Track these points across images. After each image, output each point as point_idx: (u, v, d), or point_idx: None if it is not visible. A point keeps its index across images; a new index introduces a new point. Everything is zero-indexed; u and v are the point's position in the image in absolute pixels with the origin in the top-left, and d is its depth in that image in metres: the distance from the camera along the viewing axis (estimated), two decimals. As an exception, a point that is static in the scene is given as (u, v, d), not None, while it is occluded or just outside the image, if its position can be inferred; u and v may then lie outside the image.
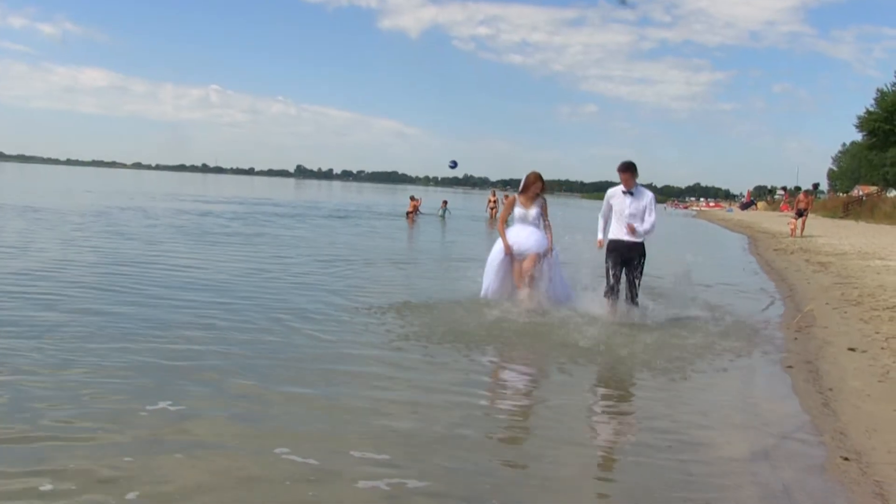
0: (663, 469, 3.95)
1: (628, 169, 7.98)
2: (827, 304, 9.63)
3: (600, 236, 8.22)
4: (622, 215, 7.98)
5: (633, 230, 7.90)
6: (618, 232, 8.05)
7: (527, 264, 8.32)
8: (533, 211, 8.57)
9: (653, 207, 7.99)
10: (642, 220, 7.97)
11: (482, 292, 8.57)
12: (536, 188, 8.60)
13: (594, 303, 8.19)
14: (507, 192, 39.12)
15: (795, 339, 7.66)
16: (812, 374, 6.12)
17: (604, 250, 8.22)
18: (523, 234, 8.48)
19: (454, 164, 35.47)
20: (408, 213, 30.80)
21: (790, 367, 6.42)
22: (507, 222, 8.79)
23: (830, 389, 5.58)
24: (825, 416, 4.97)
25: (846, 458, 4.13)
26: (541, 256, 8.37)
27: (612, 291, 8.03)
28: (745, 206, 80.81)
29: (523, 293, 8.25)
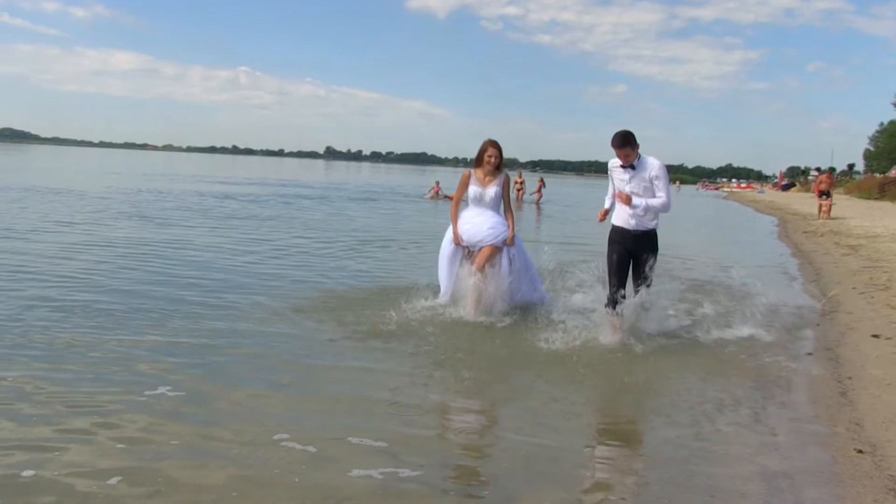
0: (669, 461, 3.84)
1: (624, 143, 6.03)
2: (854, 288, 9.37)
3: (607, 205, 6.44)
4: (621, 195, 6.22)
5: (627, 200, 6.05)
6: (620, 217, 6.27)
7: (479, 259, 6.75)
8: (491, 190, 6.95)
9: (663, 182, 6.10)
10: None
11: (441, 296, 7.03)
12: (493, 159, 6.93)
13: (590, 311, 6.61)
14: (533, 174, 38.78)
15: (817, 324, 7.45)
16: (831, 361, 5.95)
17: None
18: (477, 221, 6.92)
19: None
20: (431, 196, 30.75)
21: (809, 353, 6.25)
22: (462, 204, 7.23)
23: (849, 378, 5.40)
24: (841, 405, 4.81)
25: (860, 451, 3.98)
26: (499, 248, 6.86)
27: (614, 301, 6.14)
28: (785, 188, 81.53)
29: (471, 299, 6.62)
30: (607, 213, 6.39)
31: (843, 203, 35.98)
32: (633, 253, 6.21)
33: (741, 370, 5.63)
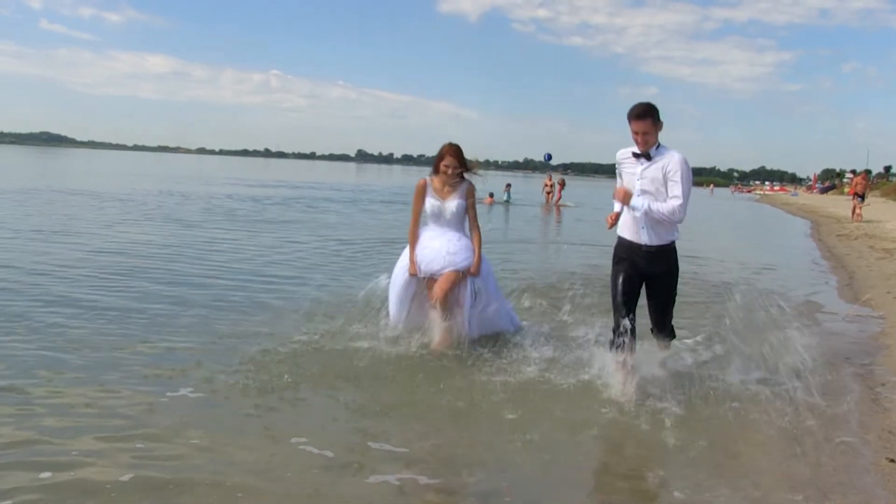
0: (693, 463, 3.76)
1: (645, 114, 4.57)
2: (888, 292, 9.16)
3: (617, 208, 4.94)
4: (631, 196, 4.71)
5: (624, 197, 4.67)
6: (629, 227, 4.81)
7: (438, 289, 5.53)
8: (452, 204, 5.71)
9: (681, 179, 4.58)
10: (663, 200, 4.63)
11: (391, 321, 5.84)
12: (450, 169, 5.68)
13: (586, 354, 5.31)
14: (563, 177, 38.33)
15: (852, 331, 7.28)
16: (864, 366, 5.80)
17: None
18: (436, 245, 5.66)
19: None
20: None
21: (847, 358, 6.09)
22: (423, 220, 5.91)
23: (883, 385, 5.27)
24: (874, 413, 4.69)
25: (892, 460, 3.86)
26: (462, 275, 5.60)
27: (621, 334, 4.69)
28: (824, 191, 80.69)
29: (437, 328, 5.56)
30: (618, 217, 4.93)
31: (879, 206, 35.25)
32: (645, 275, 4.79)
33: (766, 373, 5.50)
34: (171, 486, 3.24)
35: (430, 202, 5.74)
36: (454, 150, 5.73)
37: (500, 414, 4.34)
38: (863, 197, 24.91)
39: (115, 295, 7.13)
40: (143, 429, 3.87)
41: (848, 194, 33.86)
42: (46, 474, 3.30)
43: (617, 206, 4.92)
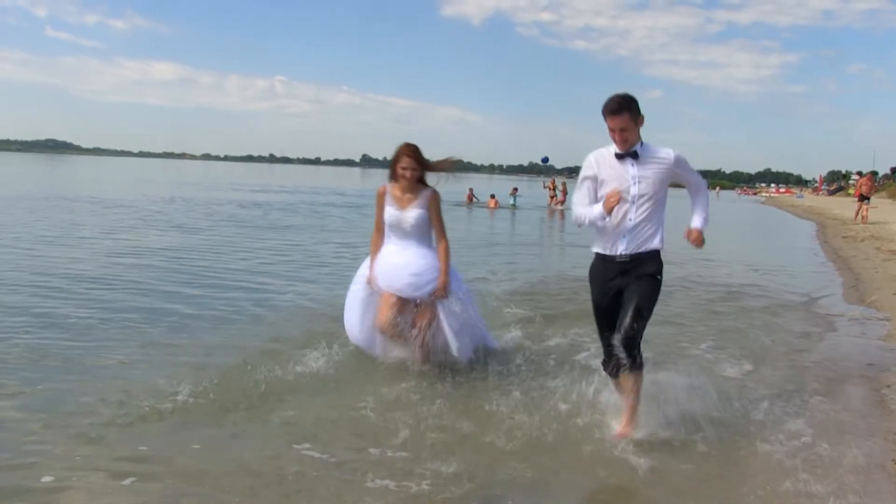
0: (694, 479, 3.73)
1: (621, 108, 3.90)
2: (895, 294, 9.10)
3: (605, 221, 3.99)
4: (622, 201, 3.93)
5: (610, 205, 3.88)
6: (603, 239, 4.08)
7: (384, 313, 4.98)
8: (411, 213, 5.03)
9: (690, 169, 4.16)
10: (656, 204, 4.01)
11: (349, 337, 5.33)
12: (408, 172, 4.98)
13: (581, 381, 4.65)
14: (566, 180, 38.22)
15: (858, 333, 7.23)
16: (870, 368, 5.76)
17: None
18: (397, 261, 5.03)
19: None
20: (467, 202, 30.90)
21: (866, 364, 6.02)
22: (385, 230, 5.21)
23: (888, 386, 5.22)
24: (880, 415, 4.64)
25: (898, 463, 3.82)
26: (424, 298, 4.99)
27: (611, 358, 4.04)
28: (832, 193, 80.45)
29: (394, 350, 5.12)
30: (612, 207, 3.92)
31: (885, 207, 35.08)
32: (622, 289, 4.04)
33: (774, 375, 5.46)
34: (164, 490, 3.22)
35: (389, 211, 5.07)
36: (411, 150, 5.02)
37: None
38: (868, 198, 24.81)
39: (122, 300, 7.14)
40: (140, 432, 3.85)
41: (854, 196, 33.74)
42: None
43: (603, 220, 3.96)
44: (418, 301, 5.01)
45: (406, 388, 4.67)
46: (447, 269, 5.05)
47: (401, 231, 5.05)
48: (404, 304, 5.01)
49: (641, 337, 4.01)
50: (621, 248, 4.01)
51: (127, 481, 3.30)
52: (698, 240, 4.11)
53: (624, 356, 3.93)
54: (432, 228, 5.12)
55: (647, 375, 4.22)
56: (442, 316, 4.98)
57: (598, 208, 3.96)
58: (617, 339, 3.95)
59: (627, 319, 3.92)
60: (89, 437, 3.77)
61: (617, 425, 4.10)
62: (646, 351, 4.13)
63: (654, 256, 4.04)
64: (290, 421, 4.13)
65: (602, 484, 3.60)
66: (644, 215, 3.98)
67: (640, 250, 4.00)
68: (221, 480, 3.36)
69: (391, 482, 3.39)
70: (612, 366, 4.06)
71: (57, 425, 3.91)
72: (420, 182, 5.08)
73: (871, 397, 5.02)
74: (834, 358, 6.14)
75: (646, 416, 4.13)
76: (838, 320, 7.79)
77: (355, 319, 5.21)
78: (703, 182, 4.25)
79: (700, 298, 8.60)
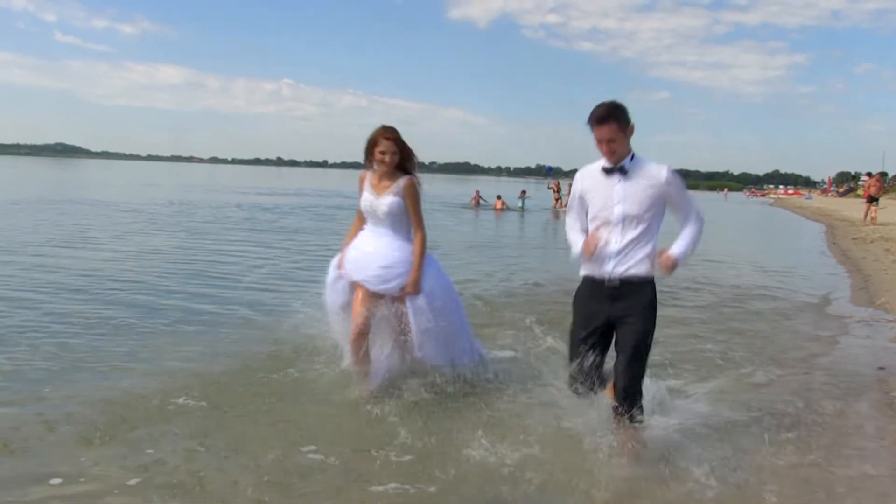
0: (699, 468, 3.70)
1: (608, 116, 3.58)
2: (904, 296, 9.04)
3: (576, 248, 3.83)
4: (605, 222, 3.69)
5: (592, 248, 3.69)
6: (595, 262, 3.73)
7: (358, 307, 4.62)
8: (384, 200, 4.64)
9: (685, 194, 3.76)
10: (646, 226, 3.66)
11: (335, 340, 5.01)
12: (386, 156, 4.57)
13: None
14: (570, 182, 37.84)
15: (867, 336, 7.18)
16: (879, 371, 5.71)
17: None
18: (369, 250, 4.68)
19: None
20: (473, 204, 30.91)
21: (878, 367, 5.98)
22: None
23: (897, 390, 5.18)
24: (889, 417, 4.62)
25: (908, 466, 3.79)
26: (392, 293, 4.61)
27: (578, 377, 3.80)
28: (843, 194, 80.00)
29: (354, 349, 4.62)
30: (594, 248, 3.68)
31: (894, 208, 34.87)
32: (611, 320, 3.73)
33: (781, 381, 5.43)
34: (171, 492, 3.23)
35: (365, 196, 4.71)
36: (390, 132, 4.59)
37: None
38: (877, 200, 24.69)
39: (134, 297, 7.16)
40: (145, 434, 3.86)
41: (863, 197, 33.55)
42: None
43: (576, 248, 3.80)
44: (387, 296, 4.60)
45: (407, 391, 4.66)
46: (420, 264, 4.63)
47: (375, 219, 4.69)
48: (373, 299, 4.60)
49: (643, 379, 3.73)
50: (608, 271, 3.68)
51: (132, 482, 3.31)
52: (667, 263, 3.62)
53: (625, 408, 3.63)
54: (406, 220, 4.70)
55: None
56: (411, 314, 4.59)
57: (579, 247, 3.78)
58: (618, 398, 3.66)
59: (625, 365, 3.63)
60: (95, 438, 3.78)
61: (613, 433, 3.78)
62: (653, 354, 4.09)
63: (646, 283, 3.69)
64: (292, 423, 4.13)
65: (603, 488, 3.58)
66: (630, 238, 3.65)
67: (629, 274, 3.65)
68: (225, 482, 3.36)
69: (394, 485, 3.39)
70: (573, 380, 3.81)
71: (63, 427, 3.92)
72: (400, 169, 4.67)
73: (881, 399, 4.98)
74: (843, 360, 6.10)
75: (650, 419, 4.11)
76: (847, 322, 7.74)
77: (328, 299, 4.89)
78: (694, 210, 3.76)
79: (708, 300, 8.56)
